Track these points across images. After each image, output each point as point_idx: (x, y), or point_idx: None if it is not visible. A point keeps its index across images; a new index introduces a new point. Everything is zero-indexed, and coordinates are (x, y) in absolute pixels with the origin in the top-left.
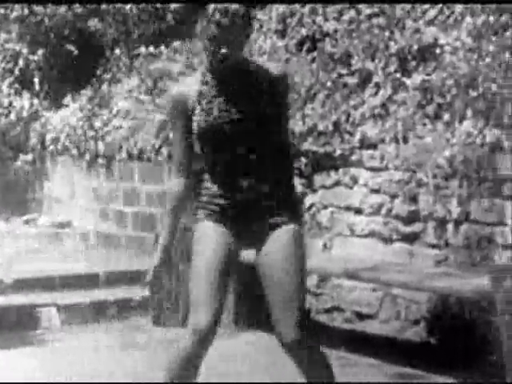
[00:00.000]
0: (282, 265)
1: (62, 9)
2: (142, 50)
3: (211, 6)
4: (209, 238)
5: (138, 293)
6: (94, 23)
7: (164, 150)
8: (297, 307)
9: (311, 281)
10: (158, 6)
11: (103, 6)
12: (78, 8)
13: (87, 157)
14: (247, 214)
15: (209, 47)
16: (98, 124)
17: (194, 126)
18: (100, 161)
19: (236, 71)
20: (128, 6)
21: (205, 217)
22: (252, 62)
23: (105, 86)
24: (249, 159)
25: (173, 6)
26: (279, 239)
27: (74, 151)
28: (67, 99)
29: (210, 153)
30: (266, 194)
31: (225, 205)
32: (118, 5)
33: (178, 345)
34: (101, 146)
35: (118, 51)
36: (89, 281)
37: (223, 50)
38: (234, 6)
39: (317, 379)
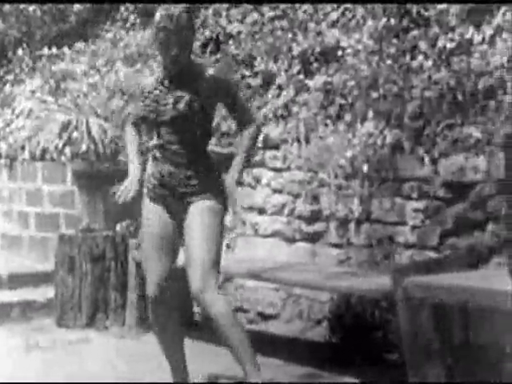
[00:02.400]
0: (194, 232)
1: None
2: (45, 51)
3: (157, 14)
4: (150, 216)
5: (42, 294)
6: None
7: (67, 150)
8: (203, 265)
9: None
10: (61, 7)
11: (6, 7)
12: None
13: None
14: (171, 192)
15: (161, 50)
16: None
17: (135, 110)
18: (2, 161)
19: (182, 72)
20: (31, 8)
21: (145, 195)
22: (198, 64)
23: (7, 87)
24: (170, 148)
25: (76, 7)
26: (196, 212)
27: None
28: None
29: (146, 137)
30: (188, 176)
31: (155, 184)
32: (21, 6)
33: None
34: (3, 147)
35: (20, 52)
36: None
37: (173, 52)
38: (178, 11)
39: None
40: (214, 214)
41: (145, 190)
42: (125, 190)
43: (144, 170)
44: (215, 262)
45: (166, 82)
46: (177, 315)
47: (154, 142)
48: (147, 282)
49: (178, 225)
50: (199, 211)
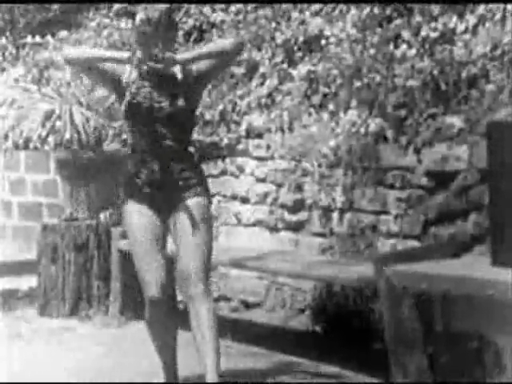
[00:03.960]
0: (189, 229)
1: None
2: (28, 39)
3: (137, 17)
4: (134, 220)
5: (25, 283)
6: None
7: (50, 139)
8: (201, 265)
9: None
10: None
11: None
12: None
13: None
14: (161, 191)
15: (142, 50)
16: None
17: (123, 104)
18: None
19: (164, 70)
20: None
21: (126, 198)
22: (178, 60)
23: None
24: (160, 144)
25: None
26: (188, 208)
27: None
28: None
29: (131, 134)
30: (182, 169)
31: (140, 184)
32: None
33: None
34: None
35: (3, 40)
36: None
37: (155, 53)
38: (157, 15)
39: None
40: (205, 211)
41: (124, 193)
42: None
43: None
44: (210, 260)
45: (154, 78)
46: (174, 313)
47: (143, 138)
48: (146, 284)
49: (165, 220)
50: (192, 208)
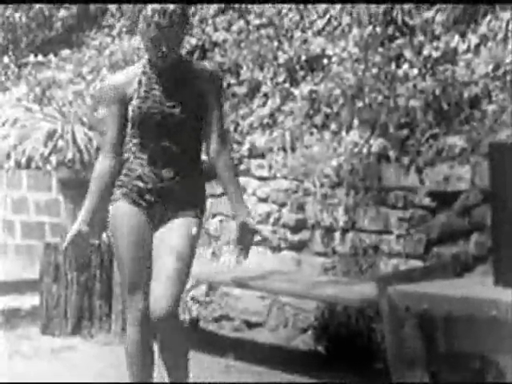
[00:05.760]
0: (170, 245)
1: None
2: (31, 58)
3: (150, 8)
4: (125, 220)
5: (28, 302)
6: None
7: (53, 159)
8: (173, 288)
9: (200, 289)
10: (47, 13)
11: None
12: None
13: None
14: (162, 200)
15: (150, 46)
16: None
17: (130, 110)
18: None
19: (174, 69)
20: (17, 15)
21: (121, 197)
22: (189, 60)
23: None
24: (172, 151)
25: (61, 14)
26: (176, 223)
27: None
28: None
29: (139, 138)
30: (182, 185)
31: (143, 189)
32: (7, 13)
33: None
34: None
35: (6, 59)
36: None
37: (163, 49)
38: (172, 7)
39: (172, 365)
40: (193, 230)
41: (119, 192)
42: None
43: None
44: (185, 284)
45: (164, 81)
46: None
47: (151, 145)
48: (133, 297)
49: (154, 230)
50: (180, 225)
